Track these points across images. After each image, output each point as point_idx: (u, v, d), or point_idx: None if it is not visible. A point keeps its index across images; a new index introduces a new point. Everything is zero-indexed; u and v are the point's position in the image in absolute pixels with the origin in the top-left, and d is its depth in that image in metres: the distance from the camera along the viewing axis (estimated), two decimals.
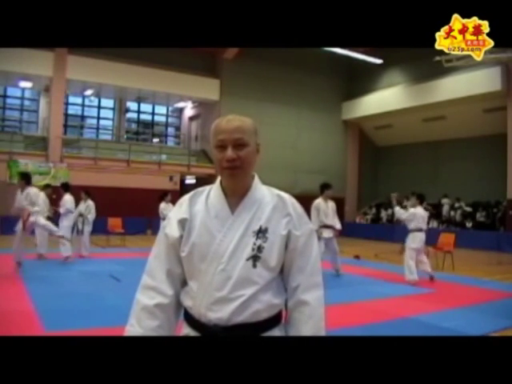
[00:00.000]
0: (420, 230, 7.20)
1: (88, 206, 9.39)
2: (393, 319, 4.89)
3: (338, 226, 7.68)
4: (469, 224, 15.96)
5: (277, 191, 1.44)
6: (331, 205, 7.62)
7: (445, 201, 17.41)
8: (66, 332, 3.75)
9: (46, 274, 6.87)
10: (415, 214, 7.19)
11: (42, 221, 7.35)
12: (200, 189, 1.46)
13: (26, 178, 7.36)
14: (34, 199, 7.19)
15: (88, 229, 9.33)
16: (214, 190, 1.42)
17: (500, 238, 14.17)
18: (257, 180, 1.44)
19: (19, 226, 7.09)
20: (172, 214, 1.43)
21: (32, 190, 7.23)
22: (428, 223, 7.75)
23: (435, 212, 17.48)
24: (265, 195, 1.40)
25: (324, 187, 7.58)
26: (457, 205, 16.85)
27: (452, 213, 16.90)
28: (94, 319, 4.41)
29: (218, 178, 1.43)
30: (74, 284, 6.31)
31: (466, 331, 4.33)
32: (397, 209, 7.46)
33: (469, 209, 16.53)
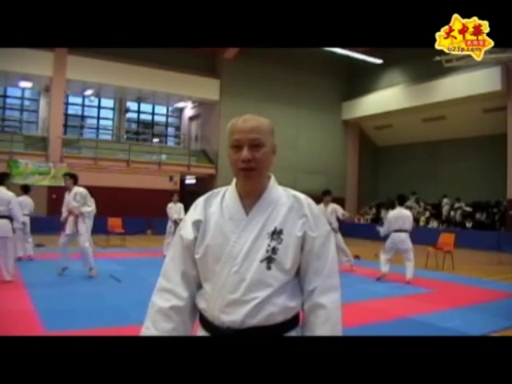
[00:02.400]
0: (396, 230, 7.37)
1: None
2: (393, 319, 4.89)
3: (339, 215, 8.40)
4: (469, 224, 15.96)
5: (293, 192, 1.41)
6: (331, 208, 8.32)
7: (445, 201, 17.41)
8: (66, 332, 3.76)
9: (45, 274, 6.86)
10: (387, 218, 7.58)
11: (83, 227, 7.04)
12: (215, 190, 1.45)
13: (74, 178, 7.05)
14: (85, 199, 6.96)
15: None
16: (229, 192, 1.41)
17: (500, 237, 14.17)
18: (273, 181, 1.41)
19: (72, 228, 6.86)
20: (187, 216, 1.42)
21: (79, 190, 6.98)
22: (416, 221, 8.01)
23: (435, 212, 17.49)
24: (280, 196, 1.38)
25: (323, 193, 8.44)
26: (457, 205, 16.84)
27: (452, 213, 16.90)
28: (94, 319, 4.41)
29: (234, 180, 1.41)
30: (74, 284, 6.30)
31: (466, 331, 4.33)
32: (380, 230, 7.84)
33: (469, 209, 16.53)
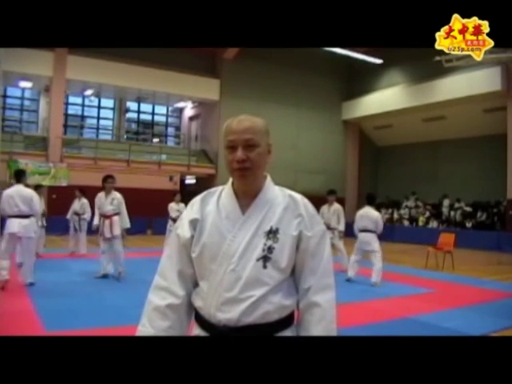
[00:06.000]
0: (361, 230, 7.22)
1: (82, 205, 9.40)
2: (393, 319, 4.89)
3: (340, 227, 8.23)
4: (469, 224, 15.96)
5: (289, 191, 1.43)
6: (334, 208, 8.23)
7: (445, 201, 17.41)
8: (66, 332, 3.76)
9: (45, 274, 6.86)
10: (358, 215, 7.42)
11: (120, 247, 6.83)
12: (212, 189, 1.46)
13: (115, 182, 6.78)
14: (120, 205, 6.70)
15: (84, 227, 9.37)
16: (225, 191, 1.42)
17: (500, 237, 14.17)
18: (269, 180, 1.42)
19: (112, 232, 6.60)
20: (184, 215, 1.43)
21: (118, 195, 6.76)
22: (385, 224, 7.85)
23: (435, 212, 17.49)
24: (276, 196, 1.39)
25: (328, 193, 8.37)
26: (457, 205, 16.84)
27: (452, 213, 16.90)
28: (94, 319, 4.42)
29: (230, 179, 1.42)
30: (74, 284, 6.31)
31: (466, 331, 4.33)
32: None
33: (469, 209, 16.53)
